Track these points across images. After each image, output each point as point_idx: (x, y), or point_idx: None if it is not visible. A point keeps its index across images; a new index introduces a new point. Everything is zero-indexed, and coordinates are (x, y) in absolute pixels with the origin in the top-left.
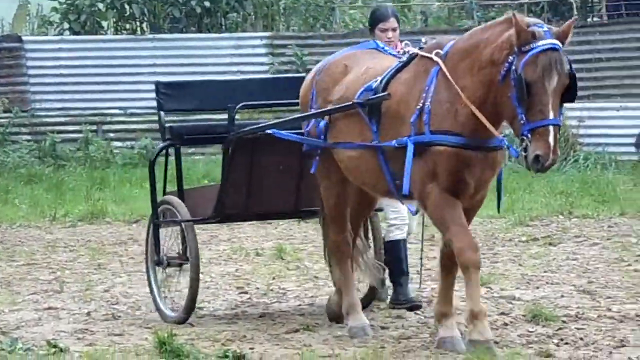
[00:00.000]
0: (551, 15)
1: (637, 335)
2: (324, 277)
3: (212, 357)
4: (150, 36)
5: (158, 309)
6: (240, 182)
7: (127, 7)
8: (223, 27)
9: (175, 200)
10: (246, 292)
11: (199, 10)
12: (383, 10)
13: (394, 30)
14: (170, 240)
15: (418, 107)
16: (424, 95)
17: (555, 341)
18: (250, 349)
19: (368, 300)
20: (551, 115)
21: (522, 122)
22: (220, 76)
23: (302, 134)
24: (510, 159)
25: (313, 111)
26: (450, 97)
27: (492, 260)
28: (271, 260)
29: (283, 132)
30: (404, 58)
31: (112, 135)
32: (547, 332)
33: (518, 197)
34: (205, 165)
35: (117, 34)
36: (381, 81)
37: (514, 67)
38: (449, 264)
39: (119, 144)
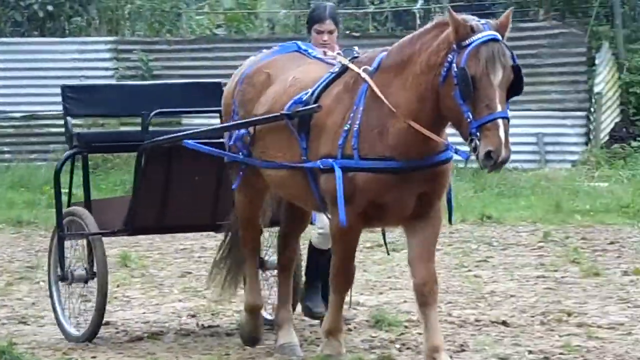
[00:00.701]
0: (395, 24)
1: (476, 340)
2: (169, 284)
3: None
4: None
5: (60, 327)
6: (154, 193)
7: None
8: (67, 31)
9: (82, 211)
10: (89, 300)
11: (41, 14)
12: (320, 10)
13: (330, 32)
14: (74, 254)
15: (346, 128)
16: (351, 115)
17: (398, 346)
18: (93, 357)
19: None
20: (499, 109)
21: (469, 120)
22: (64, 81)
23: (222, 143)
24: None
25: (234, 122)
26: (382, 117)
27: None
28: (115, 267)
29: (201, 144)
30: (336, 69)
31: None
32: (389, 337)
33: None
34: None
35: None
36: (312, 93)
37: (454, 64)
38: (428, 299)
39: None
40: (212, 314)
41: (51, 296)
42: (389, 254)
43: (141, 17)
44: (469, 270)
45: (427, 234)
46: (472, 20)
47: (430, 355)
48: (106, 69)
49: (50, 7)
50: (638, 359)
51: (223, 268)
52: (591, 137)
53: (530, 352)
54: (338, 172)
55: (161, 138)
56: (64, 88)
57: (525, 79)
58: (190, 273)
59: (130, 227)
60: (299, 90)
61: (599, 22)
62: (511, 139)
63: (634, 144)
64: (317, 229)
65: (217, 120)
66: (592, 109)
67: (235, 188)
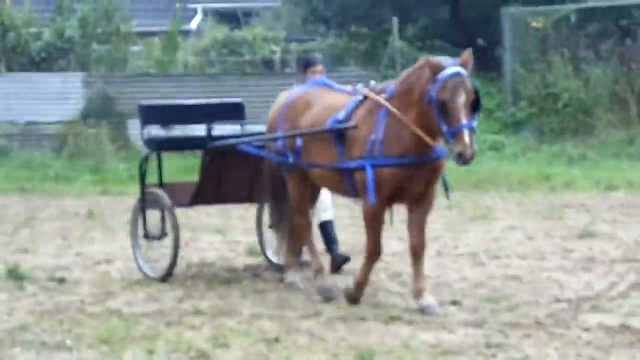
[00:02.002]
0: (263, 68)
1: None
2: (119, 230)
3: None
4: None
5: (141, 271)
6: (212, 179)
7: None
8: (54, 68)
9: (158, 190)
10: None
11: (37, 59)
12: (314, 57)
13: (321, 72)
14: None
15: (372, 137)
16: (375, 128)
17: (263, 267)
18: (68, 273)
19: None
20: (464, 122)
21: (445, 131)
22: (53, 99)
23: (263, 147)
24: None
25: (283, 133)
26: (399, 128)
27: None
28: (83, 219)
29: (256, 150)
30: (360, 97)
31: None
32: (258, 262)
33: None
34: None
35: None
36: (345, 114)
37: (433, 93)
38: (417, 252)
39: None
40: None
41: (134, 249)
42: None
43: (102, 60)
44: None
45: (425, 209)
46: (444, 60)
47: (418, 294)
48: (78, 93)
49: (44, 54)
50: None
51: (279, 233)
52: None
53: None
54: (369, 168)
55: (226, 143)
56: (140, 106)
57: None
58: None
59: (195, 202)
60: (334, 111)
61: (386, 68)
62: None
63: None
64: (319, 207)
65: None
66: None
67: (286, 175)
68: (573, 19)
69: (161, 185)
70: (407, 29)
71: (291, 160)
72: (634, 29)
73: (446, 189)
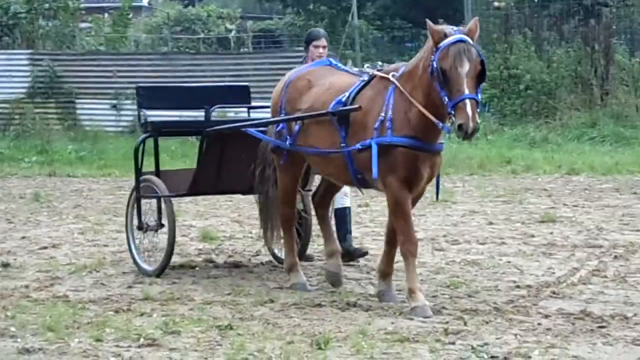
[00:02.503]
0: (217, 46)
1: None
2: (66, 212)
3: None
4: None
5: (136, 264)
6: (211, 166)
7: None
8: None
9: (154, 178)
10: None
11: None
12: (316, 32)
13: (324, 47)
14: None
15: (381, 116)
16: (384, 107)
17: (216, 252)
18: (13, 258)
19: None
20: (466, 92)
21: (446, 102)
22: None
23: (264, 132)
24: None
25: (283, 116)
26: (406, 107)
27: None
28: (30, 202)
29: (259, 133)
30: (365, 77)
31: None
32: (211, 247)
33: None
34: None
35: None
36: (349, 96)
37: (433, 62)
38: (392, 239)
39: None
40: (95, 232)
41: (128, 241)
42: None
43: (49, 37)
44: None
45: (415, 202)
46: (447, 28)
47: (382, 275)
48: (25, 71)
49: None
50: None
51: (267, 224)
52: None
53: None
54: (374, 145)
55: (224, 127)
56: (138, 88)
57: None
58: (80, 205)
59: (192, 191)
60: (336, 92)
61: (345, 48)
62: None
63: None
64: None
65: (244, 114)
66: None
67: (283, 163)
68: None
69: (157, 172)
70: (366, 7)
71: (288, 143)
72: (597, 9)
73: (437, 188)
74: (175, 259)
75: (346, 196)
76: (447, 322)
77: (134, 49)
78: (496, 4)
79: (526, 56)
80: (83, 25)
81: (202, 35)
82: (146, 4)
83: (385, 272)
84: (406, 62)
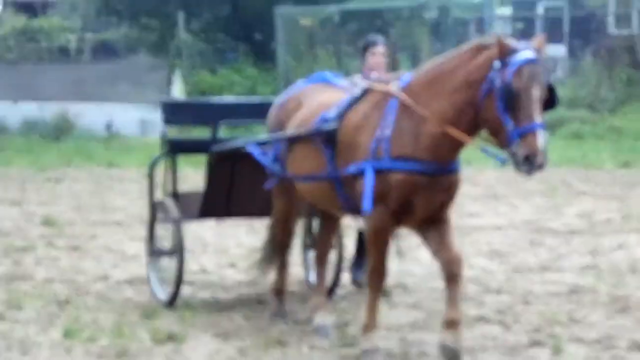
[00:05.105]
0: (64, 57)
1: None
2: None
3: None
4: None
5: (152, 292)
6: (220, 188)
7: None
8: None
9: (169, 201)
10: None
11: None
12: (373, 38)
13: (382, 54)
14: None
15: (376, 135)
16: (381, 124)
17: (57, 236)
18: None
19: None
20: (538, 120)
21: (510, 128)
22: None
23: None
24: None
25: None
26: (413, 123)
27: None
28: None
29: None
30: (357, 91)
31: None
32: (53, 232)
33: None
34: None
35: None
36: (338, 113)
37: (499, 80)
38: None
39: None
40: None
41: (147, 267)
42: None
43: None
44: None
45: (444, 228)
46: (515, 42)
47: (447, 325)
48: None
49: None
50: None
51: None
52: None
53: None
54: (369, 170)
55: (224, 145)
56: (162, 103)
57: None
58: None
59: (204, 214)
60: (323, 110)
61: (174, 58)
62: None
63: None
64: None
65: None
66: None
67: (269, 187)
68: (336, 18)
69: (175, 194)
70: (192, 22)
71: (276, 170)
72: (386, 28)
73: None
74: (19, 243)
75: None
76: (260, 294)
77: None
78: (303, 22)
79: (328, 66)
80: None
81: (45, 45)
82: None
83: (452, 320)
84: (228, 70)
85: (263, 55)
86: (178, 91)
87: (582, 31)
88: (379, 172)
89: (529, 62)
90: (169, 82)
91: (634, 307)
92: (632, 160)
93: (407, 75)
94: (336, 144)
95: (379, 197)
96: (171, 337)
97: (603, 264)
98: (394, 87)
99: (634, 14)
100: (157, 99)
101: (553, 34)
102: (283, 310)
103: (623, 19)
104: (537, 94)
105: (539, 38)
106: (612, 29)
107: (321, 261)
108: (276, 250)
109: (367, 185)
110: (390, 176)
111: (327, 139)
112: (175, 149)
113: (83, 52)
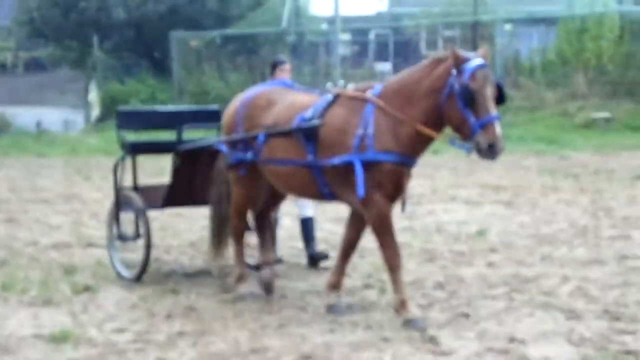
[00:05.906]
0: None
1: None
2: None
3: None
4: None
5: (116, 271)
6: (183, 181)
7: None
8: None
9: (132, 193)
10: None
11: None
12: (281, 58)
13: (288, 71)
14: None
15: (358, 133)
16: (362, 124)
17: None
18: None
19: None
20: (494, 112)
21: (472, 121)
22: None
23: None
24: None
25: (242, 134)
26: (390, 124)
27: None
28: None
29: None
30: (330, 96)
31: None
32: None
33: None
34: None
35: None
36: (319, 114)
37: (457, 84)
38: (348, 253)
39: None
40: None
41: (109, 250)
42: None
43: None
44: None
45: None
46: (466, 53)
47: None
48: None
49: None
50: None
51: (220, 239)
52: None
53: None
54: (357, 162)
55: (190, 145)
56: (118, 111)
57: None
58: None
59: (167, 204)
60: (297, 109)
61: (90, 71)
62: None
63: None
64: (299, 204)
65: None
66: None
67: (243, 174)
68: (218, 41)
69: (135, 187)
70: (105, 43)
71: (249, 156)
72: (256, 49)
73: (404, 201)
74: None
75: (309, 207)
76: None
77: None
78: (192, 43)
79: (213, 78)
80: None
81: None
82: None
83: (335, 285)
84: (133, 81)
85: (161, 69)
86: (93, 98)
87: (403, 52)
88: (369, 165)
89: (481, 67)
90: (86, 91)
91: (438, 258)
92: (439, 149)
93: (378, 86)
94: (317, 140)
95: (376, 185)
96: (87, 289)
97: (417, 226)
98: (369, 94)
99: (439, 39)
100: (76, 103)
101: (381, 54)
102: (249, 291)
103: (431, 43)
104: (490, 91)
105: (483, 49)
106: (424, 50)
107: (261, 230)
108: (235, 237)
109: (359, 175)
110: (382, 166)
111: (309, 134)
112: (135, 150)
113: (17, 66)
